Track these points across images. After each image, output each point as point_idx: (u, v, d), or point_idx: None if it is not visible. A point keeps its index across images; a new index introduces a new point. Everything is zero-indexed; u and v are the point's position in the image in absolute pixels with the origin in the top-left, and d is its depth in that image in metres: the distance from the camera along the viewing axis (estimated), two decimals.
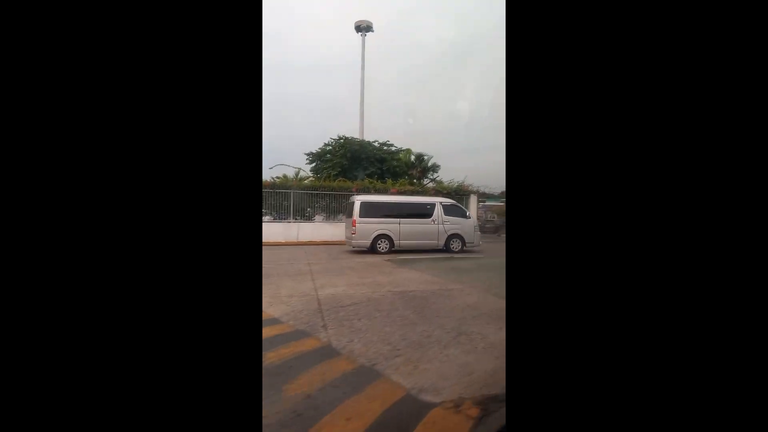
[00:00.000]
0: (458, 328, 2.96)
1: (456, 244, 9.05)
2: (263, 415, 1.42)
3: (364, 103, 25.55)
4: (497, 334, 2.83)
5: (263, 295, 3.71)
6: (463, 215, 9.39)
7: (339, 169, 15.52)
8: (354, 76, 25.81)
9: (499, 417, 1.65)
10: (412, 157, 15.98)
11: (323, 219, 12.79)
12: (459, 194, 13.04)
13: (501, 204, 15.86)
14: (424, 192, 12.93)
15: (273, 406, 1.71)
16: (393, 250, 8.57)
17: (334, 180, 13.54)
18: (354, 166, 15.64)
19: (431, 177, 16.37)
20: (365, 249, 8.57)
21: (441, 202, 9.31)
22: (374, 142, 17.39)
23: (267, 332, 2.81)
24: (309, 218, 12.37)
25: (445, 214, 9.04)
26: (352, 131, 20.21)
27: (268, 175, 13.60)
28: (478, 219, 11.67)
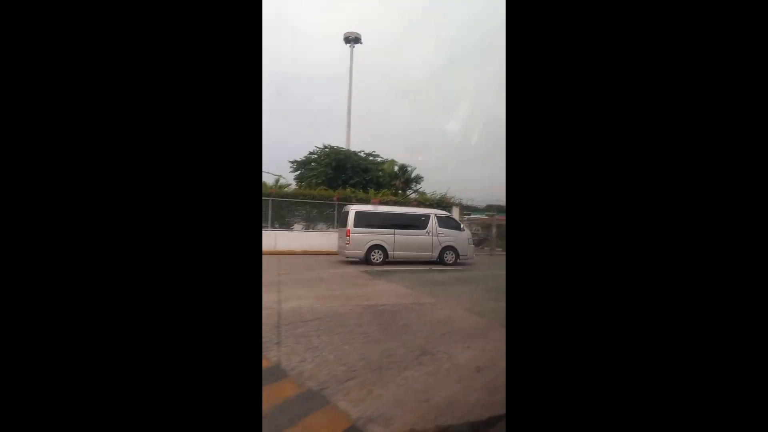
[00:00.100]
0: (423, 347, 2.77)
1: (450, 257, 8.94)
2: None
3: (354, 114, 25.63)
4: (463, 354, 2.65)
5: None
6: (457, 227, 9.32)
7: (323, 178, 15.30)
8: (352, 87, 25.83)
9: None
10: (396, 168, 15.90)
11: (303, 228, 12.50)
12: (441, 207, 12.99)
13: (485, 217, 15.87)
14: (407, 203, 12.82)
15: None
16: (387, 261, 8.38)
17: (315, 188, 13.30)
18: (338, 176, 15.46)
19: (414, 188, 16.31)
20: (359, 260, 8.35)
21: (436, 214, 9.22)
22: (360, 152, 17.30)
23: None
24: (289, 227, 12.04)
25: (440, 226, 8.95)
26: (341, 141, 20.07)
27: None
28: None
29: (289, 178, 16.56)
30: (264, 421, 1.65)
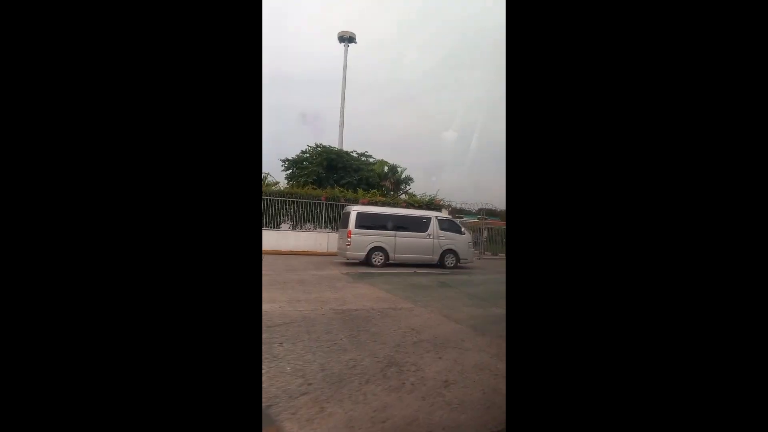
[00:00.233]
0: (391, 357, 2.59)
1: (450, 260, 8.82)
2: None
3: (349, 114, 25.35)
4: (433, 365, 2.49)
5: None
6: (458, 231, 9.20)
7: (314, 177, 15.07)
8: (350, 88, 25.56)
9: None
10: (386, 169, 15.73)
11: (290, 227, 12.26)
12: (430, 209, 12.86)
13: (476, 221, 15.76)
14: (396, 204, 12.66)
15: None
16: (388, 263, 8.23)
17: (303, 187, 13.08)
18: (330, 175, 15.24)
19: (404, 189, 16.15)
20: (359, 261, 8.19)
21: (437, 217, 9.11)
22: (352, 152, 17.11)
23: None
24: (275, 226, 11.79)
25: (441, 229, 8.83)
26: (336, 141, 19.67)
27: None
28: None
29: (281, 177, 16.30)
30: None
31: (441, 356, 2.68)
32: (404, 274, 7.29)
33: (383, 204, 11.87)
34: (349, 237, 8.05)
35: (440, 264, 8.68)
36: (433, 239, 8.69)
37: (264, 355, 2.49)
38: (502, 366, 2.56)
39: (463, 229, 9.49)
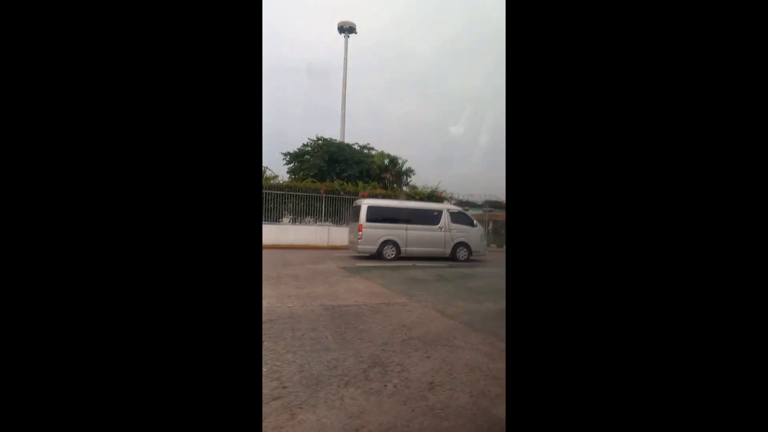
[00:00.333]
0: (376, 357, 2.47)
1: (462, 253, 8.71)
2: None
3: (351, 108, 25.01)
4: (420, 365, 2.35)
5: None
6: (470, 223, 9.07)
7: (316, 171, 14.92)
8: (350, 81, 25.15)
9: None
10: (386, 161, 15.50)
11: (290, 221, 12.17)
12: (431, 201, 12.67)
13: (481, 213, 15.49)
14: (396, 196, 12.49)
15: None
16: (400, 257, 8.15)
17: (302, 181, 12.95)
18: (332, 168, 15.08)
19: (406, 182, 15.93)
20: (370, 255, 8.11)
21: (448, 209, 8.99)
22: (354, 144, 16.88)
23: None
24: (275, 220, 11.69)
25: (452, 222, 8.70)
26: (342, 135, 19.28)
27: None
28: None
29: (281, 171, 16.17)
30: None
31: (429, 355, 2.55)
32: (402, 267, 7.16)
33: (384, 197, 11.71)
34: (360, 231, 7.94)
35: (452, 257, 8.57)
36: (445, 232, 8.57)
37: None
38: (493, 365, 2.43)
39: (475, 222, 9.35)
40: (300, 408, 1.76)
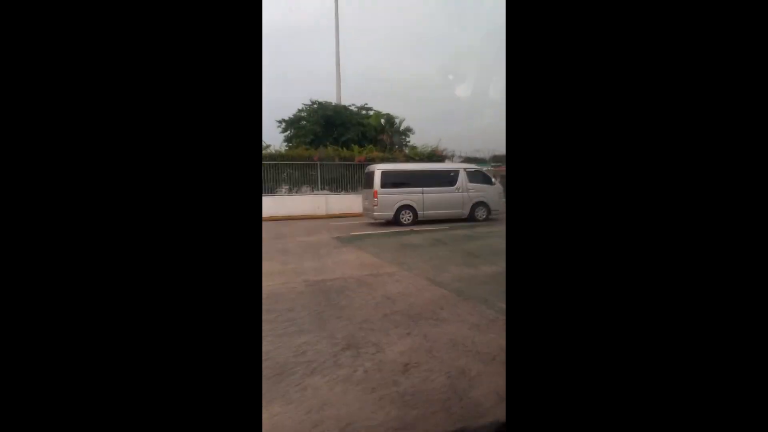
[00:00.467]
0: (351, 337, 2.29)
1: (481, 213, 8.53)
2: None
3: (349, 67, 23.50)
4: (398, 344, 2.18)
5: None
6: (488, 182, 8.78)
7: (312, 137, 14.38)
8: (345, 40, 23.46)
9: None
10: (382, 121, 14.81)
11: (285, 192, 11.93)
12: (433, 160, 12.20)
13: (490, 169, 14.85)
14: (395, 159, 12.04)
15: None
16: (417, 221, 8.00)
17: (296, 149, 12.52)
18: (329, 133, 14.50)
19: (405, 142, 15.32)
20: (388, 221, 7.96)
21: (465, 169, 8.70)
22: (351, 106, 16.10)
23: None
24: (270, 191, 11.45)
25: (470, 181, 8.43)
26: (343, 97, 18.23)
27: None
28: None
29: (276, 140, 15.65)
30: None
31: (410, 332, 2.37)
32: (398, 234, 6.95)
33: (382, 160, 11.27)
34: (376, 197, 7.73)
35: (471, 218, 8.42)
36: (462, 193, 8.34)
37: None
38: (478, 339, 2.24)
39: (493, 180, 9.05)
40: None
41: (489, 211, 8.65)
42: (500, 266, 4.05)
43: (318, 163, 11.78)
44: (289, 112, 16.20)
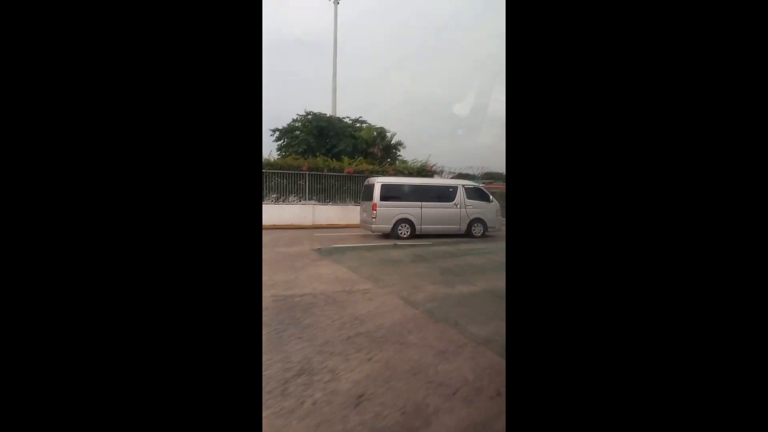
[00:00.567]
0: (308, 361, 2.13)
1: (478, 229, 8.48)
2: None
3: (345, 79, 23.70)
4: (355, 371, 2.02)
5: None
6: (486, 199, 8.76)
7: (305, 147, 14.29)
8: (345, 54, 23.68)
9: None
10: (374, 134, 14.81)
11: (273, 201, 11.75)
12: (422, 175, 12.17)
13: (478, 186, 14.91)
14: (384, 172, 11.99)
15: None
16: (415, 235, 7.89)
17: (287, 158, 12.41)
18: (321, 143, 14.43)
19: (394, 156, 15.31)
20: (385, 234, 7.84)
21: (463, 185, 8.65)
22: (345, 118, 16.11)
23: None
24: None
25: (468, 198, 8.41)
26: (345, 110, 18.21)
27: None
28: None
29: (272, 148, 15.49)
30: None
31: (372, 356, 2.22)
32: (382, 247, 6.81)
33: (371, 173, 11.19)
34: (375, 210, 7.62)
35: (468, 234, 8.35)
36: (461, 209, 8.31)
37: None
38: (442, 367, 2.10)
39: (491, 197, 9.01)
40: None
41: (486, 228, 8.59)
42: (476, 287, 3.93)
43: (307, 173, 11.67)
44: (285, 123, 16.15)
